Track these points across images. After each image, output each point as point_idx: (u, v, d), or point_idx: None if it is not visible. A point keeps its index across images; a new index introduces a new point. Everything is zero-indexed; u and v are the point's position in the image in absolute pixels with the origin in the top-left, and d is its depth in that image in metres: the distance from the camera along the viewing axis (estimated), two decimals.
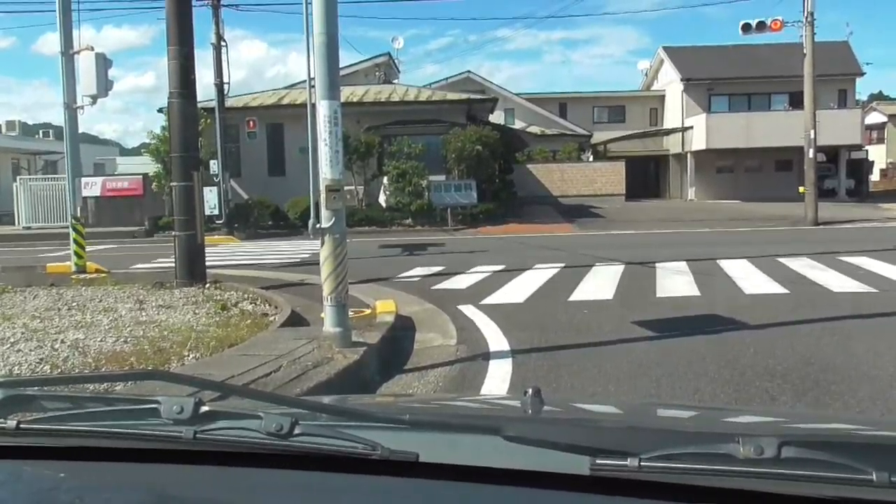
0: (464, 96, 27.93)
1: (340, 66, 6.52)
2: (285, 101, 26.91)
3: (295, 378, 5.09)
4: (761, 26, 22.04)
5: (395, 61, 34.95)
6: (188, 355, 5.95)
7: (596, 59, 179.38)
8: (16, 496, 1.16)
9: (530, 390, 1.52)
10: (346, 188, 6.31)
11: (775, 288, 9.84)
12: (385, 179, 24.37)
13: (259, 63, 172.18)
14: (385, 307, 7.89)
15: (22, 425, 1.25)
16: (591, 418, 1.80)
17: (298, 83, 28.44)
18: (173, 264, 10.53)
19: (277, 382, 4.96)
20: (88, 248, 13.05)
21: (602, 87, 54.20)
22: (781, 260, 12.66)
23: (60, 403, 1.39)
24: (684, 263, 12.41)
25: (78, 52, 12.34)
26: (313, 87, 6.21)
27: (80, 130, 14.19)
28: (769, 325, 7.33)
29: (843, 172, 37.41)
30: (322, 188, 6.11)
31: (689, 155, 38.21)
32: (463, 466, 1.15)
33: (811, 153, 22.41)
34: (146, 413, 1.29)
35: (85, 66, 12.20)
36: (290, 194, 22.71)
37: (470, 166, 24.08)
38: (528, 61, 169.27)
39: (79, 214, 12.78)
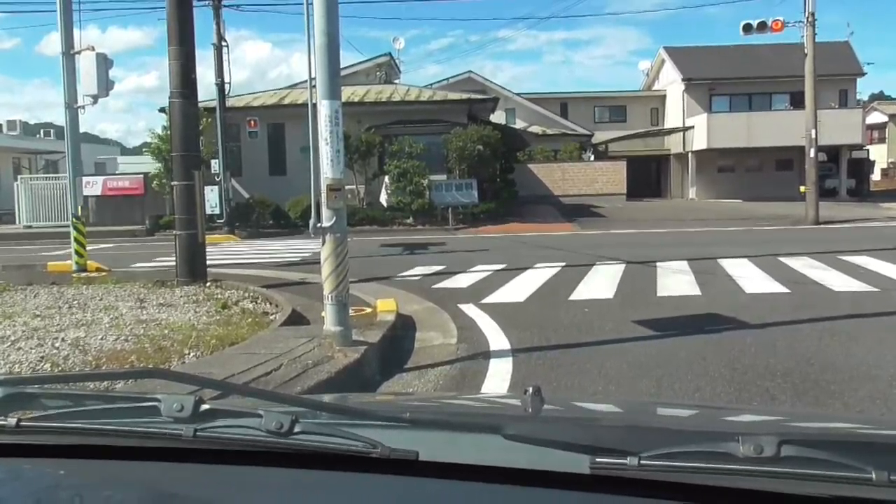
0: (465, 96, 27.90)
1: (341, 66, 6.52)
2: (286, 101, 26.91)
3: (295, 376, 5.09)
4: (762, 26, 22.03)
5: (396, 61, 34.92)
6: (189, 354, 5.95)
7: (597, 59, 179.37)
8: (16, 494, 1.16)
9: (531, 389, 1.52)
10: (347, 187, 6.31)
11: (776, 287, 9.84)
12: (386, 179, 24.37)
13: (262, 63, 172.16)
14: (386, 306, 7.89)
15: (22, 423, 1.25)
16: (592, 417, 1.80)
17: (299, 83, 28.47)
18: (174, 263, 10.53)
19: (278, 381, 4.96)
20: (89, 247, 13.06)
21: (603, 87, 54.13)
22: (782, 259, 12.66)
23: (61, 401, 1.39)
24: (685, 263, 12.41)
25: (79, 52, 12.35)
26: (314, 86, 6.21)
27: (82, 130, 14.20)
28: (770, 325, 7.32)
29: (844, 172, 37.41)
30: (323, 187, 6.11)
31: (690, 154, 38.22)
32: (463, 465, 1.15)
33: (812, 153, 22.40)
34: (146, 411, 1.29)
35: (86, 66, 12.21)
36: (291, 193, 22.72)
37: (471, 166, 24.08)
38: (530, 61, 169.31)
39: (80, 213, 12.77)
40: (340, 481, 1.16)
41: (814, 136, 22.23)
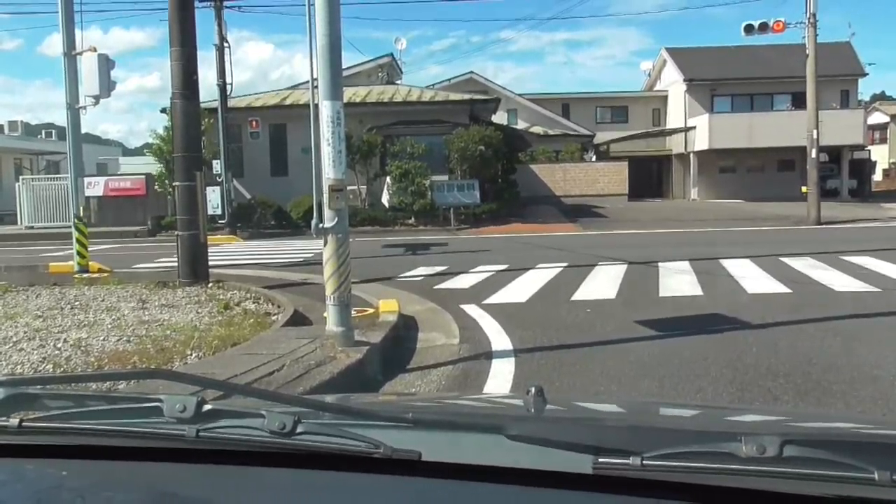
0: (466, 97, 27.90)
1: (343, 66, 6.52)
2: (288, 102, 26.94)
3: (298, 377, 5.09)
4: (764, 27, 22.03)
5: (398, 62, 34.91)
6: (191, 354, 5.95)
7: (599, 59, 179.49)
8: (18, 495, 1.16)
9: (533, 389, 1.52)
10: (348, 188, 6.31)
11: (778, 287, 9.83)
12: (388, 179, 24.38)
13: (264, 64, 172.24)
14: (388, 306, 7.89)
15: (24, 424, 1.25)
16: (594, 417, 1.80)
17: (301, 84, 28.46)
18: (176, 264, 10.54)
19: (280, 381, 4.97)
20: (91, 248, 13.07)
21: (605, 87, 54.25)
22: (784, 259, 12.65)
23: (63, 402, 1.39)
24: (687, 263, 12.40)
25: (80, 53, 12.36)
26: (316, 87, 6.21)
27: (84, 130, 14.25)
28: (772, 325, 7.32)
29: (846, 172, 37.39)
30: (325, 188, 6.11)
31: (691, 155, 38.19)
32: (465, 465, 1.15)
33: (814, 153, 22.38)
34: (149, 412, 1.29)
35: (87, 66, 12.22)
36: (293, 194, 22.74)
37: (473, 166, 24.09)
38: (532, 62, 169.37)
39: (81, 214, 12.78)
40: (343, 482, 1.16)
41: (815, 136, 22.21)
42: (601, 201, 32.23)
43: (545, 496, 1.11)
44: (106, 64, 12.33)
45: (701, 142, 36.74)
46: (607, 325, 7.61)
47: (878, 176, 49.07)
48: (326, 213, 6.12)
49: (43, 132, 52.37)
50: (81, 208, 12.90)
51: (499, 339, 7.01)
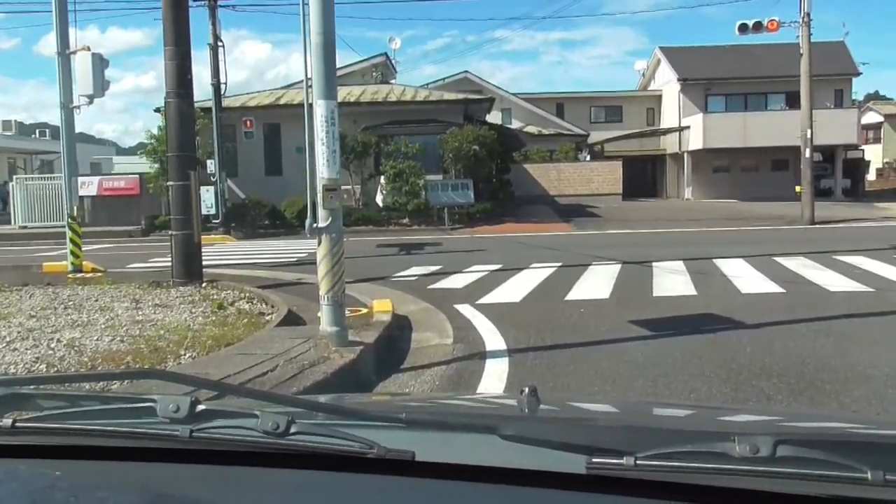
0: (461, 96, 27.90)
1: (337, 66, 6.52)
2: (282, 101, 26.89)
3: (291, 377, 5.09)
4: (758, 26, 22.08)
5: (392, 62, 34.93)
6: (185, 354, 5.94)
7: (593, 59, 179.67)
8: (12, 495, 1.16)
9: (527, 389, 1.52)
10: (342, 188, 6.30)
11: (772, 287, 9.85)
12: (382, 179, 24.35)
13: (260, 64, 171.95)
14: (382, 306, 7.89)
15: (18, 424, 1.25)
16: (588, 417, 1.80)
17: (296, 83, 28.46)
18: (170, 263, 10.51)
19: (274, 381, 4.96)
20: (85, 248, 13.02)
21: (599, 87, 54.36)
22: (778, 259, 12.67)
23: (56, 402, 1.39)
24: (681, 263, 12.42)
25: (74, 53, 12.33)
26: (310, 87, 6.21)
27: (78, 130, 14.17)
28: (765, 325, 7.33)
29: (840, 172, 37.46)
30: (319, 188, 6.11)
31: (685, 155, 38.25)
32: (459, 465, 1.15)
33: (808, 153, 22.42)
34: (142, 412, 1.28)
35: (81, 66, 12.18)
36: (287, 194, 22.69)
37: (467, 166, 24.09)
38: (526, 62, 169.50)
39: (75, 214, 12.74)
40: (337, 482, 1.16)
41: (809, 136, 22.25)
42: (595, 201, 32.27)
43: (539, 496, 1.11)
44: (100, 63, 12.29)
45: (695, 141, 36.80)
46: (601, 325, 7.62)
47: (871, 175, 49.18)
48: (320, 212, 6.12)
49: (37, 132, 52.30)
50: (75, 208, 12.87)
51: (493, 338, 7.01)
